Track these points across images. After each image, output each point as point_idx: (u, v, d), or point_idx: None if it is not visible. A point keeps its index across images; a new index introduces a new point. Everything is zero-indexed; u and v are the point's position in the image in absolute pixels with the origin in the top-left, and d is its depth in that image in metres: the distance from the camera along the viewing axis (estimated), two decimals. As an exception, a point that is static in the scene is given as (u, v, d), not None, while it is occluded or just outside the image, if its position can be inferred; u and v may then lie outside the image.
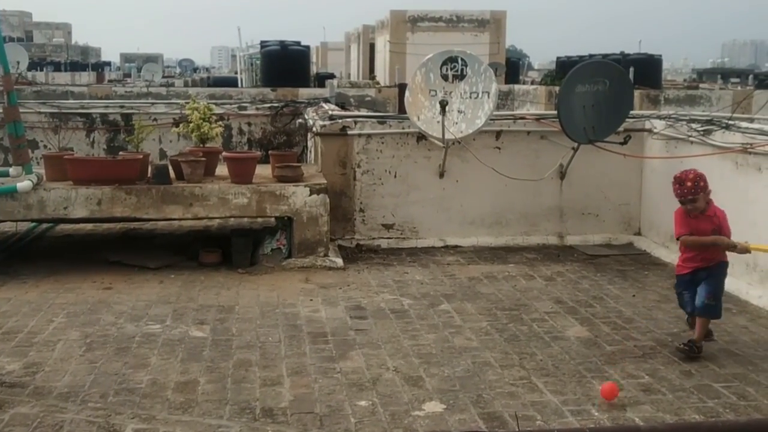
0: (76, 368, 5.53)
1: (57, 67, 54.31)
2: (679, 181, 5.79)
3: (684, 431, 3.07)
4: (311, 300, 7.17)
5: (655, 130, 9.18)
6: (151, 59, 59.43)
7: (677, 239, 5.89)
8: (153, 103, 12.94)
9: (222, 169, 8.74)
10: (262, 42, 25.29)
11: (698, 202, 5.75)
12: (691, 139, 8.40)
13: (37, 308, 6.84)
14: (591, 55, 23.90)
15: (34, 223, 9.49)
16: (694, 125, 8.47)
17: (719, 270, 5.89)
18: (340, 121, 9.31)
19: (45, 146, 11.56)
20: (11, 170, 8.27)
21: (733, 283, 7.43)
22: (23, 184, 7.85)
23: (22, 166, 8.12)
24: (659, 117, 9.41)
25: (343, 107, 11.86)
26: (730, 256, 5.90)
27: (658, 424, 4.43)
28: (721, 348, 6.00)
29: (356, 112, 11.08)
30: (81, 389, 5.15)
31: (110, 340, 6.08)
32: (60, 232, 9.76)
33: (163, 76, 40.68)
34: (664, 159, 8.89)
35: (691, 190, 5.74)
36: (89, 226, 9.80)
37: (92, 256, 8.51)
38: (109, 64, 76.70)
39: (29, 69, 29.87)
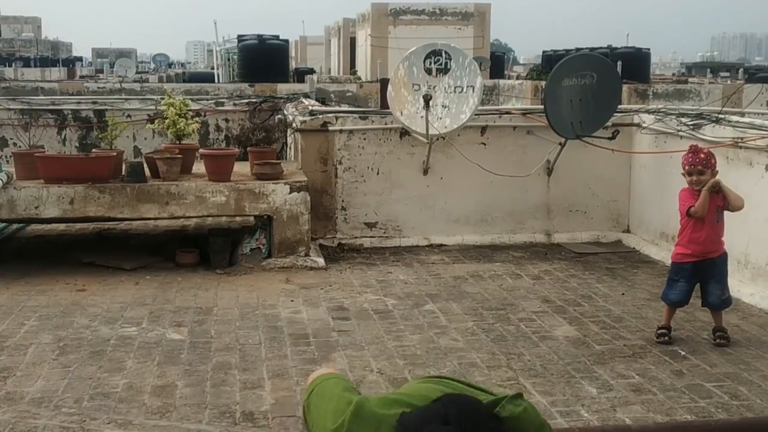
0: (49, 373, 5.50)
1: (26, 62, 53.98)
2: (694, 151, 6.02)
3: (675, 431, 3.09)
4: (292, 301, 7.17)
5: (643, 125, 9.23)
6: (125, 54, 59.24)
7: (687, 213, 6.03)
8: (126, 99, 12.91)
9: (199, 167, 8.72)
10: (239, 36, 25.19)
11: (705, 175, 5.95)
12: (680, 133, 8.45)
13: (7, 311, 6.80)
14: (578, 49, 23.95)
15: (3, 224, 9.41)
16: (683, 119, 8.52)
17: (724, 264, 6.13)
18: (320, 116, 9.30)
19: (15, 144, 11.49)
20: (-20, 169, 8.22)
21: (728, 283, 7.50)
22: (-8, 183, 7.79)
23: (-9, 164, 8.06)
24: (648, 111, 9.46)
25: (323, 103, 11.86)
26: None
27: (649, 423, 4.45)
28: (713, 347, 6.04)
29: (337, 108, 11.08)
30: (54, 394, 5.13)
31: (84, 344, 6.05)
32: (31, 233, 9.70)
33: (137, 72, 40.49)
34: (654, 154, 8.94)
35: (703, 161, 5.96)
36: (62, 226, 9.75)
37: (65, 258, 8.47)
38: (80, 59, 76.30)
39: (-3, 65, 29.64)
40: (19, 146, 10.60)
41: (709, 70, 51.91)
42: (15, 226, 9.62)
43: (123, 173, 8.27)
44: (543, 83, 15.51)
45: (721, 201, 6.01)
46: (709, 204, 5.95)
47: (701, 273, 6.08)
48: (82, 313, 6.76)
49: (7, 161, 9.93)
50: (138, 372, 5.52)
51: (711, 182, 5.94)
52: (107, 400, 5.07)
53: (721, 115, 8.19)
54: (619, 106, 9.33)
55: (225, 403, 5.04)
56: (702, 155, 5.98)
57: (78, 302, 7.06)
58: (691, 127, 8.30)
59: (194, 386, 5.29)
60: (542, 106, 9.02)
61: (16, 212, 7.97)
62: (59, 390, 5.20)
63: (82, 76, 42.60)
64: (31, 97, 13.08)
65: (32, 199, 7.92)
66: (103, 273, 8.00)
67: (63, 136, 12.22)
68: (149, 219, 8.79)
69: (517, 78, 28.69)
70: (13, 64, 48.71)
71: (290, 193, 8.29)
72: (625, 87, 14.46)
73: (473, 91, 8.82)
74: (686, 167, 6.03)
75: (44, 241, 9.44)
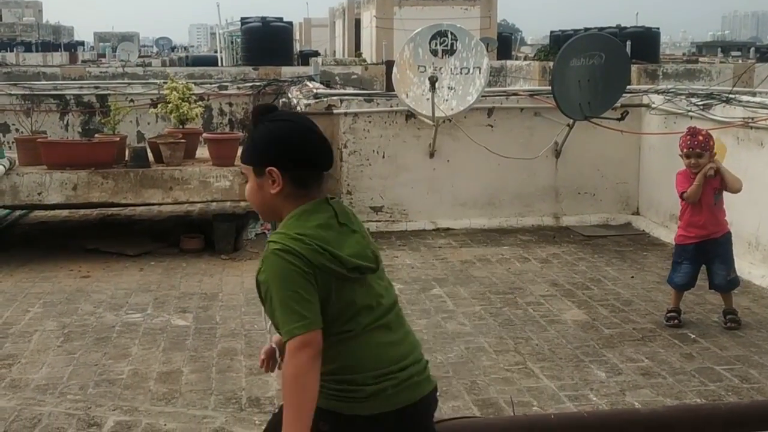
0: (54, 360, 5.53)
1: (28, 47, 53.94)
2: (692, 133, 5.98)
3: (685, 414, 3.09)
4: (298, 286, 7.16)
5: (653, 106, 9.20)
6: (127, 38, 59.12)
7: (680, 196, 6.03)
8: (129, 84, 12.89)
9: (203, 152, 8.72)
10: (242, 19, 25.15)
11: (703, 158, 5.91)
12: (690, 114, 8.42)
13: (11, 298, 6.83)
14: (586, 29, 23.87)
15: (6, 210, 9.46)
16: (693, 99, 8.49)
17: (728, 243, 6.09)
18: (325, 99, 9.29)
19: (17, 130, 11.49)
20: (-18, 155, 8.23)
21: (735, 263, 7.48)
22: (-5, 169, 7.81)
23: (-7, 150, 8.07)
24: (657, 92, 9.43)
25: (328, 85, 11.84)
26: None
27: (658, 407, 4.46)
28: (723, 329, 6.04)
29: (342, 90, 11.07)
30: (59, 381, 5.16)
31: (89, 330, 6.08)
32: (34, 219, 9.74)
33: (140, 56, 40.46)
34: (663, 135, 8.91)
35: (701, 144, 5.92)
36: (65, 212, 9.78)
37: (69, 244, 8.49)
38: (82, 43, 76.27)
39: (-2, 49, 29.64)
40: (22, 132, 10.59)
41: (719, 49, 51.60)
42: (18, 212, 9.67)
43: (126, 158, 8.28)
44: (551, 64, 15.47)
45: (717, 183, 5.97)
46: (706, 187, 5.93)
47: (705, 254, 6.06)
48: (87, 300, 6.79)
49: (9, 147, 9.95)
50: (143, 358, 5.55)
51: (707, 168, 5.90)
52: (112, 386, 5.09)
53: (731, 95, 8.16)
54: (628, 87, 9.30)
55: (231, 389, 5.06)
56: (700, 137, 5.93)
57: (82, 289, 7.08)
58: (702, 107, 8.27)
59: (200, 372, 5.31)
60: (550, 87, 8.99)
61: (18, 198, 7.99)
62: (64, 377, 5.23)
63: (84, 61, 42.61)
64: (33, 82, 13.10)
65: (35, 185, 7.93)
66: (107, 259, 8.02)
67: (65, 122, 12.22)
68: (153, 204, 8.82)
69: (525, 59, 28.59)
70: (15, 49, 48.69)
71: (295, 177, 8.26)
72: (634, 67, 14.42)
73: (480, 73, 8.80)
74: (684, 150, 5.99)
75: (47, 227, 9.47)
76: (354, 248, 2.69)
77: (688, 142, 5.95)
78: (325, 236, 2.64)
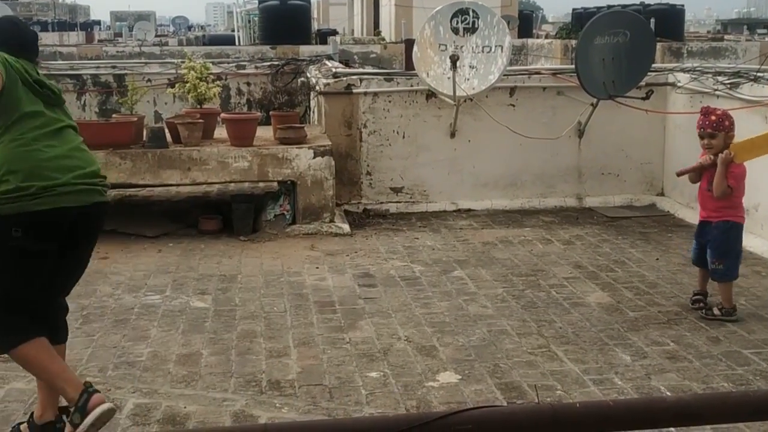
0: (73, 342, 5.52)
1: (44, 26, 54.11)
2: (705, 112, 5.87)
3: (713, 402, 3.05)
4: (317, 268, 7.18)
5: (679, 84, 9.11)
6: (143, 17, 59.25)
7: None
8: (146, 63, 12.90)
9: (221, 132, 8.71)
10: (259, -4, 25.08)
11: (716, 139, 5.79)
12: (717, 92, 8.33)
13: (30, 280, 6.84)
14: (609, 6, 23.66)
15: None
16: (720, 78, 8.40)
17: (723, 231, 5.89)
18: (344, 78, 9.25)
19: (34, 110, 11.51)
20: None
21: (761, 245, 7.42)
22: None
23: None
24: (683, 70, 9.34)
25: (347, 65, 11.80)
26: (754, 216, 5.93)
27: (686, 394, 4.43)
28: (751, 312, 5.99)
29: (362, 70, 11.02)
30: (78, 363, 5.18)
31: (108, 312, 6.10)
32: (52, 200, 9.75)
33: (156, 35, 40.51)
34: (689, 114, 8.82)
35: (713, 124, 5.79)
36: (82, 193, 9.78)
37: (86, 225, 8.50)
38: (98, 23, 76.45)
39: (15, 29, 29.63)
40: (39, 112, 10.61)
41: (745, 27, 51.13)
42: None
43: (144, 139, 8.28)
44: (573, 42, 15.35)
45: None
46: (705, 172, 5.86)
47: (703, 235, 6.00)
48: (105, 281, 6.81)
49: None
50: (162, 340, 5.56)
51: (705, 159, 5.84)
52: (132, 369, 5.11)
53: (759, 74, 8.06)
54: (653, 65, 9.22)
55: (251, 371, 5.06)
56: (713, 117, 5.79)
57: (100, 270, 7.10)
58: (728, 86, 8.18)
59: (219, 355, 5.32)
60: (573, 66, 8.92)
61: (36, 179, 8.00)
62: (83, 359, 5.25)
63: (100, 40, 42.72)
64: (49, 62, 13.12)
65: (52, 166, 7.93)
66: (125, 240, 8.05)
67: (82, 102, 12.26)
68: (171, 185, 8.82)
69: (546, 37, 28.40)
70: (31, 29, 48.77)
71: (314, 157, 8.27)
72: (658, 45, 14.27)
73: (502, 51, 8.74)
74: (697, 130, 5.90)
75: (65, 208, 9.48)
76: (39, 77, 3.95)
77: (700, 122, 5.86)
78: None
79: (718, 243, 5.91)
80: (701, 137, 5.88)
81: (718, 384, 4.89)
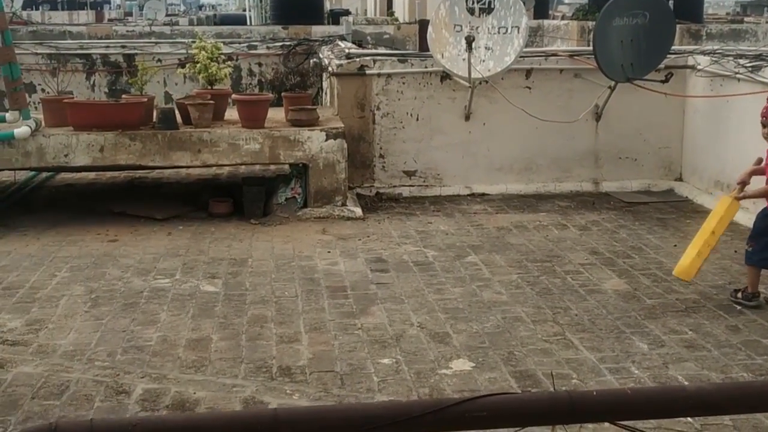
0: (82, 325, 5.55)
1: (53, 5, 54.03)
2: None
3: (734, 392, 3.01)
4: (329, 252, 7.15)
5: (698, 67, 9.02)
6: (154, -4, 58.93)
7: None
8: (156, 43, 12.85)
9: (232, 113, 8.68)
10: (271, -24, 24.95)
11: None
12: (738, 76, 8.24)
13: (38, 262, 6.86)
14: (627, -13, 23.46)
15: (33, 172, 9.49)
16: (742, 61, 8.31)
17: (762, 218, 5.90)
18: (357, 59, 9.20)
19: (43, 90, 11.50)
20: (7, 115, 8.22)
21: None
22: (21, 130, 7.82)
23: (19, 110, 8.07)
24: (703, 53, 9.23)
25: (360, 45, 11.73)
26: None
27: (706, 384, 4.39)
28: (771, 301, 5.94)
29: (375, 50, 10.96)
30: (87, 347, 5.17)
31: (117, 296, 6.09)
32: (61, 182, 9.77)
33: (167, 15, 40.40)
34: (709, 98, 8.74)
35: None
36: (91, 174, 9.80)
37: (96, 207, 8.51)
38: (108, 2, 76.29)
39: (24, 8, 29.77)
40: (48, 92, 10.62)
41: (766, 8, 50.64)
42: (44, 174, 9.70)
43: (154, 120, 8.26)
44: (590, 24, 15.22)
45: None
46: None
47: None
48: (114, 264, 6.80)
49: (36, 108, 9.96)
50: (172, 325, 5.55)
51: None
52: (141, 353, 5.10)
53: (782, 56, 7.96)
54: (673, 47, 9.12)
55: (261, 357, 5.05)
56: None
57: (109, 253, 7.10)
58: (750, 69, 8.09)
59: (229, 340, 5.31)
60: (590, 48, 8.84)
61: (45, 160, 8.00)
62: (92, 343, 5.25)
63: (110, 19, 42.62)
64: (58, 42, 13.09)
65: (61, 147, 7.94)
66: (134, 223, 8.03)
67: (92, 82, 12.23)
68: (181, 167, 8.81)
69: (563, 18, 28.20)
70: (40, 8, 48.83)
71: (326, 140, 8.23)
72: (677, 27, 14.15)
73: (518, 32, 8.66)
74: (761, 119, 5.81)
75: (74, 190, 9.50)
76: None
77: (765, 111, 5.77)
78: None
79: (754, 226, 5.95)
80: (763, 126, 5.78)
81: (737, 374, 4.85)
